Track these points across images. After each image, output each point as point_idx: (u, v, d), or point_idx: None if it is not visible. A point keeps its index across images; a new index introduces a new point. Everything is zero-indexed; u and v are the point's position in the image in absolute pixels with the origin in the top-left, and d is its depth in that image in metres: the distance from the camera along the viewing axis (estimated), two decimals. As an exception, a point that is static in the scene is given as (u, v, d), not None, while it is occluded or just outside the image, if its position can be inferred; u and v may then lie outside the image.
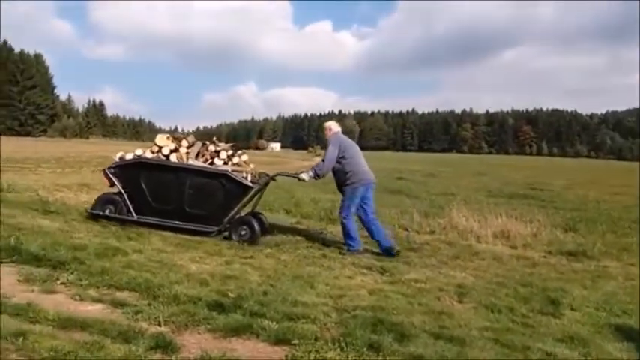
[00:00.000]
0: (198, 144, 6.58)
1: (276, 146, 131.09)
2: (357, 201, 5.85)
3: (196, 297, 3.41)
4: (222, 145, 6.77)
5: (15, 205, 6.65)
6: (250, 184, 6.06)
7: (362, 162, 6.10)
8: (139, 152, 6.35)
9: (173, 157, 6.18)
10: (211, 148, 6.59)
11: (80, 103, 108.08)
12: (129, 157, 6.29)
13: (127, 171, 6.14)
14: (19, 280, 3.48)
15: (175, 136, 6.58)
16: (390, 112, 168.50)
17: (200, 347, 2.66)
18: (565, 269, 5.50)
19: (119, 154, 6.47)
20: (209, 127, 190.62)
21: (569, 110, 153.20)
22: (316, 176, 5.94)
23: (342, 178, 5.93)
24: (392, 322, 3.24)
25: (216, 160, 6.42)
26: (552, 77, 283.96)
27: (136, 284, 3.58)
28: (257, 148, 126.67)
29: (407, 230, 7.27)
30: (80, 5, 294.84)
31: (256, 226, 5.92)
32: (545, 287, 4.53)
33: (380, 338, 2.88)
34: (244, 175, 6.23)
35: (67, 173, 13.35)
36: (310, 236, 6.48)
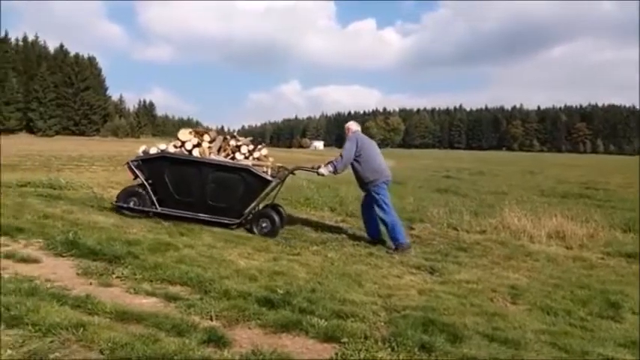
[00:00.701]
0: (220, 138, 6.70)
1: (319, 144, 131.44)
2: (387, 195, 6.05)
3: (246, 292, 3.44)
4: (242, 139, 6.89)
5: (72, 201, 6.95)
6: (270, 178, 6.21)
7: (381, 159, 6.30)
8: (162, 147, 6.50)
9: (195, 152, 6.34)
10: (232, 142, 6.73)
11: (131, 103, 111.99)
12: (153, 151, 6.44)
13: (150, 164, 6.31)
14: (77, 274, 3.61)
15: (197, 130, 6.68)
16: (437, 109, 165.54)
17: (251, 342, 2.68)
18: (625, 272, 5.23)
19: (142, 148, 6.66)
20: (254, 125, 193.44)
21: (626, 106, 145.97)
22: (335, 171, 6.10)
23: (364, 175, 6.05)
24: (443, 322, 3.16)
25: (237, 155, 6.58)
26: (608, 72, 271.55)
27: (188, 279, 3.64)
28: (300, 146, 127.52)
29: (456, 229, 7.10)
30: (129, 9, 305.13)
31: (277, 219, 6.12)
32: (604, 290, 4.31)
33: (431, 339, 2.81)
34: (264, 169, 6.37)
35: (118, 171, 13.84)
36: (356, 234, 6.44)
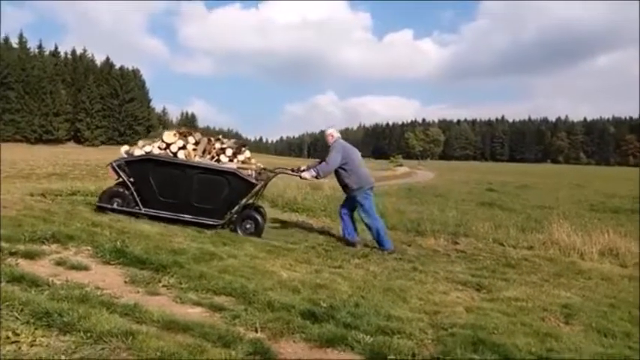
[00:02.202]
0: (204, 140, 6.78)
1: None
2: (372, 202, 6.42)
3: (290, 305, 3.41)
4: (227, 142, 6.98)
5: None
6: (255, 181, 6.37)
7: (364, 167, 6.64)
8: (147, 148, 6.53)
9: (181, 154, 6.43)
10: (217, 145, 6.81)
11: (174, 115, 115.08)
12: (137, 152, 6.49)
13: (135, 166, 6.38)
14: (125, 282, 3.68)
15: (182, 132, 6.75)
16: (478, 120, 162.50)
17: (297, 356, 2.65)
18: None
19: (124, 148, 6.77)
20: (292, 137, 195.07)
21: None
22: (317, 176, 6.42)
23: (347, 182, 6.37)
24: (493, 342, 3.04)
25: (222, 157, 6.65)
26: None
27: (232, 289, 3.65)
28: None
29: (502, 245, 6.89)
30: (169, 23, 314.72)
31: (260, 220, 6.35)
32: (665, 312, 4.06)
33: (482, 359, 2.70)
34: (249, 172, 6.47)
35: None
36: (398, 248, 6.34)
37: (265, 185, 6.81)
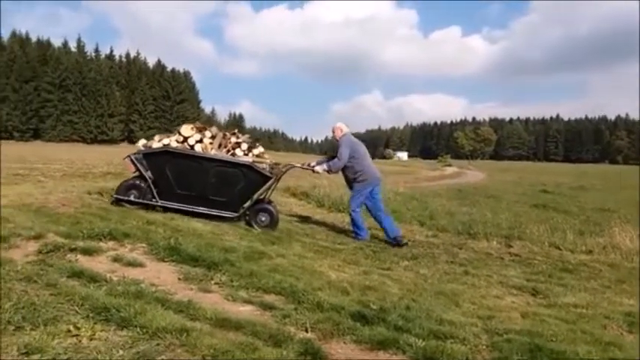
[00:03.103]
0: (220, 135, 6.83)
1: (403, 155, 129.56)
2: (365, 196, 6.61)
3: (339, 306, 3.39)
4: (242, 137, 7.05)
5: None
6: (270, 175, 6.47)
7: (369, 161, 6.87)
8: (165, 141, 6.59)
9: (198, 147, 6.48)
10: (233, 139, 6.87)
11: (222, 116, 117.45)
12: (155, 145, 6.56)
13: (153, 158, 6.44)
14: (179, 279, 3.75)
15: (198, 126, 6.80)
16: (531, 118, 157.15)
17: (347, 357, 2.62)
18: None
19: (142, 142, 6.86)
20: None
21: None
22: (329, 170, 6.69)
23: (351, 175, 6.61)
24: (552, 349, 2.91)
25: (237, 151, 6.74)
26: None
27: (282, 288, 3.66)
28: (383, 157, 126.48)
29: (559, 249, 6.61)
30: (216, 25, 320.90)
31: (275, 213, 6.50)
32: None
33: (541, 368, 2.59)
34: (264, 166, 6.60)
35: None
36: (449, 251, 6.20)
37: (278, 180, 6.90)
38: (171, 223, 5.55)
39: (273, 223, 6.42)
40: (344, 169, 6.66)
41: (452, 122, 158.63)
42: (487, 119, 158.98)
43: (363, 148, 6.82)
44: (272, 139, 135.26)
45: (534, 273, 5.29)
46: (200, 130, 6.67)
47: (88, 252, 4.05)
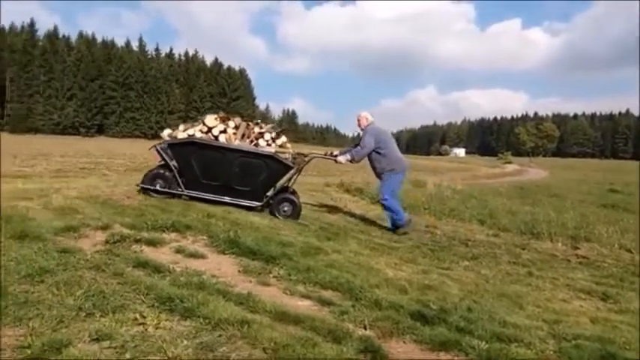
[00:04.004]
0: (244, 125, 6.83)
1: (460, 152, 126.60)
2: (399, 185, 6.77)
3: (398, 304, 3.32)
4: (265, 127, 7.08)
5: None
6: (292, 164, 6.56)
7: (397, 150, 6.83)
8: (190, 132, 6.64)
9: (222, 138, 6.55)
10: (256, 129, 6.87)
11: (276, 112, 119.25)
12: (180, 136, 6.61)
13: (178, 149, 6.48)
14: (239, 271, 3.80)
15: (222, 116, 6.81)
16: (598, 114, 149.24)
17: (408, 358, 2.57)
18: None
19: (167, 132, 6.94)
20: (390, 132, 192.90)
21: None
22: (352, 160, 6.70)
23: (381, 165, 6.60)
24: (625, 358, 2.74)
25: (260, 141, 6.75)
26: None
27: (339, 284, 3.63)
28: (439, 154, 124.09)
29: (630, 252, 6.22)
30: (269, 23, 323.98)
31: (297, 202, 6.56)
32: None
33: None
34: (287, 156, 6.66)
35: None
36: (511, 251, 5.97)
37: (300, 170, 6.92)
38: (230, 217, 5.64)
39: (295, 213, 6.49)
40: (371, 160, 6.67)
41: (512, 117, 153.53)
42: (550, 115, 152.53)
43: (389, 137, 6.83)
44: (324, 135, 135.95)
45: (604, 276, 5.00)
46: (224, 120, 6.76)
47: (152, 243, 4.18)
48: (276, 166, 6.47)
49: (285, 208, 6.48)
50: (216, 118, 6.71)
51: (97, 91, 79.72)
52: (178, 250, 4.13)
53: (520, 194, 13.26)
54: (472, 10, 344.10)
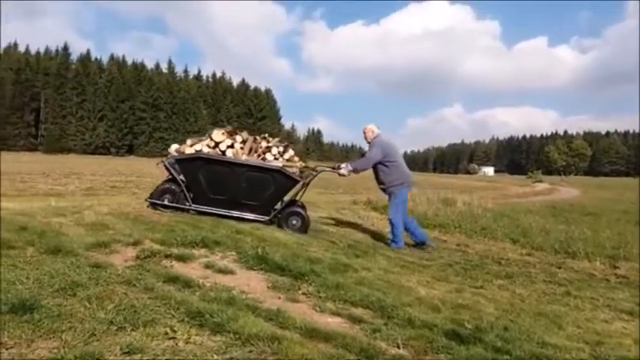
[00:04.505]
0: (251, 139, 6.82)
1: (488, 170, 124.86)
2: (404, 200, 6.63)
3: (431, 323, 3.23)
4: (272, 141, 7.04)
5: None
6: (299, 178, 6.57)
7: (404, 165, 6.77)
8: (197, 147, 6.62)
9: (229, 153, 6.55)
10: (263, 144, 6.84)
11: (301, 131, 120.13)
12: (188, 151, 6.61)
13: (186, 164, 6.50)
14: (268, 287, 3.77)
15: (229, 130, 6.81)
16: (631, 131, 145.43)
17: (444, 378, 2.47)
18: None
19: (174, 147, 6.93)
20: (416, 151, 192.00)
21: None
22: (355, 170, 6.60)
23: (388, 179, 6.51)
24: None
25: (267, 155, 6.72)
26: None
27: (369, 302, 3.56)
28: (467, 172, 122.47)
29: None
30: (294, 44, 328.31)
31: (306, 216, 6.53)
32: None
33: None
34: (294, 169, 6.62)
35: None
36: (547, 270, 5.78)
37: (308, 184, 6.90)
38: (257, 233, 5.63)
39: (304, 226, 6.46)
40: (377, 172, 6.60)
41: (542, 136, 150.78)
42: (580, 133, 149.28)
43: (397, 150, 6.76)
44: (348, 154, 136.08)
45: (647, 297, 4.77)
46: (231, 135, 6.78)
47: (181, 258, 4.18)
48: (283, 180, 6.47)
49: (294, 222, 6.46)
50: (223, 133, 6.75)
51: (128, 112, 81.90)
52: (208, 266, 4.12)
53: (552, 213, 12.90)
54: (497, 27, 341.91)
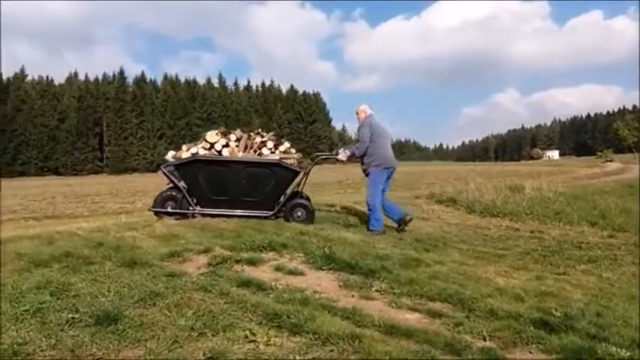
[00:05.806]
0: (245, 136, 6.73)
1: (553, 154, 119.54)
2: (383, 184, 6.41)
3: (516, 313, 3.06)
4: (267, 135, 6.93)
5: (321, 220, 7.41)
6: (299, 169, 6.50)
7: (388, 147, 6.56)
8: (193, 150, 6.54)
9: (225, 152, 6.52)
10: (257, 139, 6.73)
11: (352, 131, 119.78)
12: (185, 155, 6.53)
13: (184, 169, 6.43)
14: (339, 286, 3.72)
15: (223, 130, 6.74)
16: None
17: (538, 370, 2.32)
18: None
19: (171, 153, 6.85)
20: (475, 140, 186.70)
21: None
22: (353, 154, 6.50)
23: (367, 160, 6.37)
24: None
25: (263, 150, 6.63)
26: None
27: (447, 295, 3.43)
28: (531, 158, 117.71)
29: None
30: (336, 47, 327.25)
31: (310, 206, 6.49)
32: None
33: None
34: (292, 161, 6.55)
35: (349, 193, 14.86)
36: (633, 252, 5.40)
37: (308, 173, 6.79)
38: (322, 233, 5.60)
39: (309, 216, 6.39)
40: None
41: (608, 113, 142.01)
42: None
43: (384, 133, 6.57)
44: (403, 149, 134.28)
45: None
46: (225, 135, 6.75)
47: (252, 262, 4.21)
48: (283, 173, 6.41)
49: (299, 214, 6.40)
50: (217, 134, 6.77)
51: (185, 128, 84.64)
52: (278, 268, 4.12)
53: (630, 192, 12.13)
54: (545, 7, 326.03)
